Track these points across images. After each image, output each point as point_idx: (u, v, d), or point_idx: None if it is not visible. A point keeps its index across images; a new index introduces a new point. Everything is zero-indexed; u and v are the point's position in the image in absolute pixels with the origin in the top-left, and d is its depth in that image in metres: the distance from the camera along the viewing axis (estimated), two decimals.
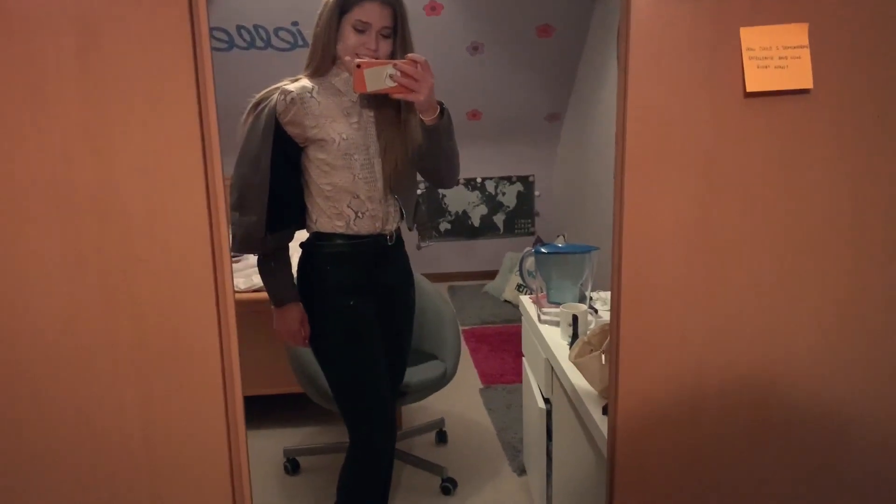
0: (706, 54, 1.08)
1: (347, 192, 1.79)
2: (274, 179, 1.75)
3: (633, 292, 1.17)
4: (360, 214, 1.83)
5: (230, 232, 1.00)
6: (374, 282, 1.92)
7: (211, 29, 4.55)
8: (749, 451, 1.24)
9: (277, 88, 1.78)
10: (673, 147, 1.09)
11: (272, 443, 3.17)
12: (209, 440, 1.02)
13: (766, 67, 1.08)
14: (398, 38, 1.77)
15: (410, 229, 1.98)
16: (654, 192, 1.11)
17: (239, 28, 4.58)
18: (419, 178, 1.98)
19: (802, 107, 1.09)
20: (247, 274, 3.36)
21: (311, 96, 1.76)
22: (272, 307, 1.91)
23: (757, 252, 1.16)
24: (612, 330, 1.21)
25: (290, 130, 1.76)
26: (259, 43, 4.64)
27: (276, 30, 4.61)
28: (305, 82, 1.79)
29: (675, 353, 1.19)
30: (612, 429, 1.24)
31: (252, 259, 3.49)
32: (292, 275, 1.93)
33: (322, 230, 1.85)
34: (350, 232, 1.83)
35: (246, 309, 3.32)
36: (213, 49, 4.71)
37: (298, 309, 1.90)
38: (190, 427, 1.01)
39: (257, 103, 1.78)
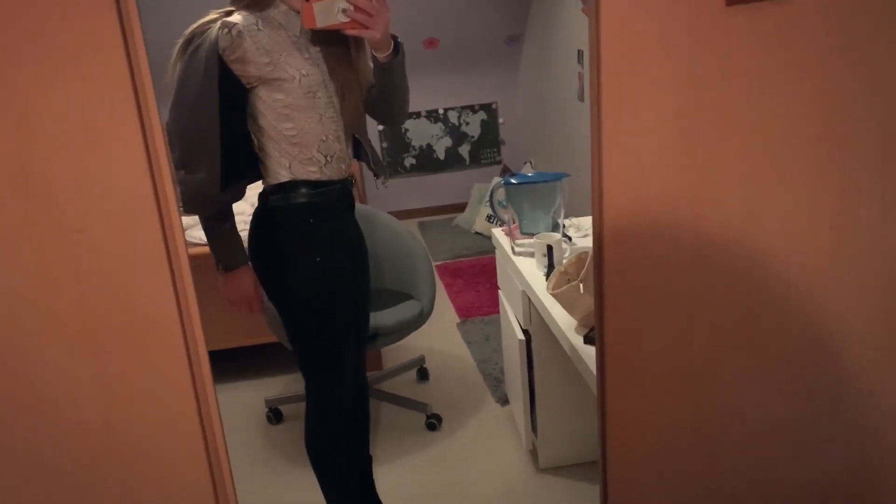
0: None
1: (315, 134, 1.64)
2: (221, 127, 1.56)
3: (616, 219, 1.12)
4: (329, 158, 1.68)
5: (176, 191, 0.91)
6: (346, 231, 1.81)
7: None
8: (745, 351, 1.22)
9: (211, 22, 1.58)
10: (650, 63, 1.02)
11: (253, 393, 3.14)
12: (175, 407, 0.96)
13: None
14: None
15: (372, 167, 1.85)
16: (633, 112, 1.04)
17: None
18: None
19: (785, 13, 1.02)
20: None
21: (259, 29, 1.56)
22: (220, 272, 1.76)
23: (742, 163, 1.11)
24: (596, 260, 1.17)
25: (238, 69, 1.56)
26: None
27: None
28: (246, 14, 1.57)
29: (663, 275, 1.16)
30: (601, 354, 1.22)
31: None
32: (240, 235, 1.76)
33: (296, 178, 1.67)
34: (323, 178, 1.68)
35: (206, 262, 3.20)
36: None
37: (251, 272, 1.76)
38: (155, 398, 0.95)
39: (188, 41, 1.58)
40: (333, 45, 1.64)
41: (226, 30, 1.53)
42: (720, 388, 1.25)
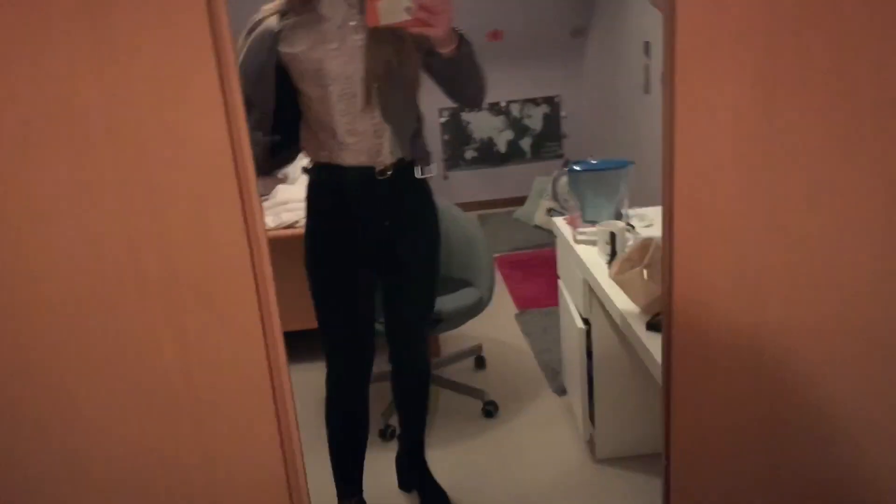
0: None
1: (329, 123, 1.73)
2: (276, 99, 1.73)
3: (687, 194, 1.10)
4: (343, 146, 1.76)
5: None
6: (361, 214, 1.84)
7: None
8: (819, 366, 1.19)
9: (270, 12, 1.72)
10: (728, 32, 1.00)
11: (313, 377, 3.21)
12: (250, 374, 1.00)
13: None
14: None
15: (408, 159, 1.84)
16: (707, 84, 1.03)
17: None
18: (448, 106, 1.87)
19: None
20: (275, 212, 3.34)
21: (293, 27, 1.68)
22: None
23: (821, 145, 1.08)
24: (665, 235, 1.15)
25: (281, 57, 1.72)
26: None
27: None
28: (288, 8, 1.70)
29: (733, 255, 1.13)
30: (668, 341, 1.20)
31: (281, 196, 3.46)
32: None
33: (313, 159, 1.83)
34: (334, 162, 1.78)
35: (276, 246, 3.30)
36: None
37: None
38: (230, 362, 1.00)
39: (254, 26, 1.74)
40: (378, 39, 1.67)
41: (274, 22, 1.69)
42: (793, 379, 1.22)
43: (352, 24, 1.68)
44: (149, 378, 1.00)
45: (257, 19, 1.74)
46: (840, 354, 1.19)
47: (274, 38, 1.68)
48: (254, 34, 1.71)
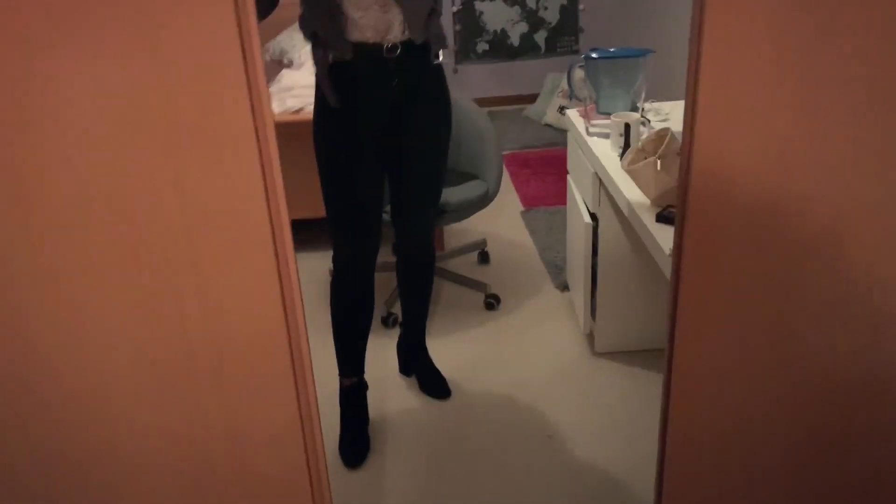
0: None
1: None
2: None
3: (715, 69, 1.04)
4: (348, 20, 1.68)
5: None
6: (368, 94, 1.79)
7: None
8: (841, 252, 1.17)
9: None
10: None
11: (319, 263, 3.24)
12: (256, 250, 0.98)
13: None
14: None
15: (418, 42, 1.75)
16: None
17: None
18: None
19: None
20: (280, 98, 3.25)
21: None
22: None
23: (859, 32, 1.01)
24: (687, 108, 1.10)
25: None
26: None
27: None
28: None
29: (757, 136, 1.09)
30: (681, 224, 1.17)
31: (286, 81, 3.35)
32: None
33: (318, 33, 1.74)
34: (344, 37, 1.71)
35: (282, 132, 3.23)
36: None
37: None
38: (235, 238, 0.98)
39: None
40: None
41: None
42: (810, 267, 1.19)
43: None
44: (150, 233, 0.99)
45: None
46: (867, 241, 1.17)
47: None
48: None
